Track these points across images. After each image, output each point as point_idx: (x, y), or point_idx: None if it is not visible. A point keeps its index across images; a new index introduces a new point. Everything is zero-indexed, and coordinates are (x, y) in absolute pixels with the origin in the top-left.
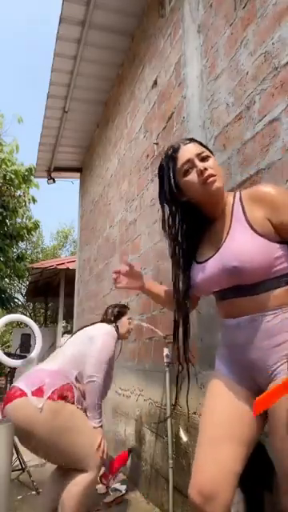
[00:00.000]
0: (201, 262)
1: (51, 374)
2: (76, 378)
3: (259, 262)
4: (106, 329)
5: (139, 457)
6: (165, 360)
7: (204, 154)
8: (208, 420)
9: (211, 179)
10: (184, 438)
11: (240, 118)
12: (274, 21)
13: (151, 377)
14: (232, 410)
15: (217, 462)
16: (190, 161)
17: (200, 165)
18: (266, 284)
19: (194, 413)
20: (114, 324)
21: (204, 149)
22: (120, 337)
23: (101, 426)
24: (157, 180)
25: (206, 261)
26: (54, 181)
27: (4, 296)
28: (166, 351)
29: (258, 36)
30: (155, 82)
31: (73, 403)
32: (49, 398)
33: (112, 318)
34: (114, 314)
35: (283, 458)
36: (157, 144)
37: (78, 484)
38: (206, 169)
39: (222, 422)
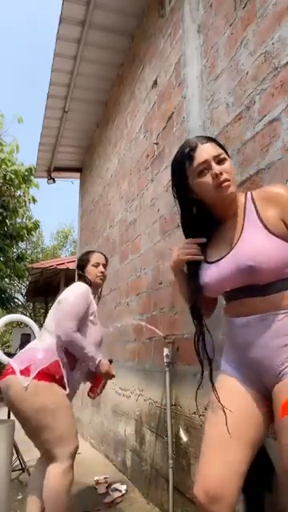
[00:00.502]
0: (211, 262)
1: (39, 352)
2: (66, 350)
3: (276, 262)
4: (71, 286)
5: (139, 457)
6: (165, 360)
7: (221, 157)
8: (214, 420)
9: (226, 184)
10: (184, 437)
11: (240, 118)
12: (274, 21)
13: (151, 377)
14: (239, 411)
15: (223, 462)
16: (206, 162)
17: (216, 168)
18: (277, 284)
19: (194, 413)
20: (84, 279)
21: (221, 150)
22: (93, 285)
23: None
24: (157, 180)
25: (218, 261)
26: (54, 181)
27: (4, 296)
28: (165, 351)
29: (258, 36)
30: (155, 82)
31: (61, 382)
32: (34, 377)
33: (80, 273)
34: (80, 268)
35: None
36: (157, 144)
37: (49, 478)
38: (221, 173)
39: (230, 422)
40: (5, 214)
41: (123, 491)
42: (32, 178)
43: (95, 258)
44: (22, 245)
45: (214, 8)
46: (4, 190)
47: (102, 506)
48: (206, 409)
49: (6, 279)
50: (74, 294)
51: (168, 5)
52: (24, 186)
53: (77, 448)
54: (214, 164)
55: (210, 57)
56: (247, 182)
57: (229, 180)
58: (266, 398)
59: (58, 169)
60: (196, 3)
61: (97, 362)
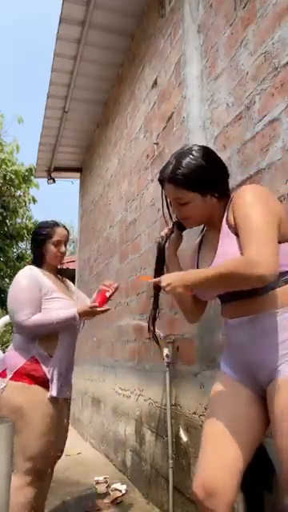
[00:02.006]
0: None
1: (11, 354)
2: (40, 339)
3: None
4: (15, 279)
5: (139, 457)
6: (165, 360)
7: (181, 201)
8: (213, 419)
9: (184, 221)
10: (184, 437)
11: (240, 118)
12: (274, 21)
13: (151, 377)
14: (236, 410)
15: (220, 459)
16: (171, 200)
17: (173, 210)
18: (267, 285)
19: (194, 413)
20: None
21: (182, 193)
22: (47, 266)
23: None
24: (157, 180)
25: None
26: (54, 181)
27: (4, 296)
28: (165, 351)
29: (258, 36)
30: (155, 82)
31: (44, 382)
32: (11, 378)
33: (34, 250)
34: (36, 243)
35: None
36: (157, 144)
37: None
38: (180, 213)
39: (227, 420)
40: (5, 214)
41: (123, 491)
42: (32, 178)
43: (58, 233)
44: (22, 245)
45: (213, 8)
46: (4, 190)
47: (102, 505)
48: (205, 409)
49: (6, 279)
50: (15, 288)
51: (168, 5)
52: (24, 186)
53: (40, 471)
54: (175, 204)
55: (210, 57)
56: (247, 182)
57: (186, 218)
58: (262, 397)
59: (58, 169)
60: (196, 3)
61: (74, 313)
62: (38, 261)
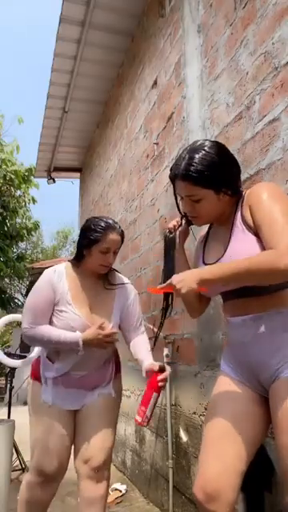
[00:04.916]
0: (209, 264)
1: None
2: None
3: None
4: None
5: (139, 457)
6: (165, 360)
7: (194, 198)
8: (214, 419)
9: (193, 220)
10: (184, 437)
11: (240, 118)
12: (274, 21)
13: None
14: (237, 410)
15: (222, 461)
16: (183, 197)
17: (185, 208)
18: (272, 285)
19: (194, 413)
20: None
21: (196, 190)
22: (84, 270)
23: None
24: (157, 180)
25: (214, 263)
26: (54, 181)
27: (4, 296)
28: (165, 351)
29: (258, 36)
30: (155, 82)
31: (40, 380)
32: (30, 375)
33: (79, 250)
34: (83, 244)
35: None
36: (157, 144)
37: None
38: (189, 211)
39: (228, 421)
40: (5, 214)
41: (123, 491)
42: (32, 178)
43: (110, 240)
44: (21, 245)
45: (213, 8)
46: (4, 190)
47: None
48: (205, 409)
49: (6, 279)
50: (31, 292)
51: (168, 5)
52: (24, 186)
53: (42, 470)
54: (187, 200)
55: (210, 57)
56: (247, 182)
57: (195, 217)
58: (263, 397)
59: (58, 169)
60: (196, 3)
61: (77, 339)
62: (78, 260)
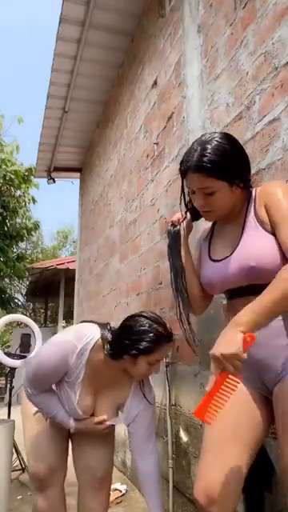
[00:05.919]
0: (216, 260)
1: None
2: None
3: (275, 261)
4: (65, 337)
5: None
6: (165, 360)
7: (207, 191)
8: (214, 421)
9: (205, 214)
10: (184, 438)
11: (240, 118)
12: (274, 21)
13: (151, 377)
14: (240, 411)
15: (223, 463)
16: (194, 190)
17: (197, 202)
18: None
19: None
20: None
21: (210, 181)
22: (116, 365)
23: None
24: (157, 180)
25: (222, 260)
26: (54, 181)
27: (4, 296)
28: None
29: (258, 36)
30: (155, 82)
31: None
32: None
33: (115, 348)
34: (124, 346)
35: None
36: (157, 144)
37: None
38: (202, 205)
39: (230, 423)
40: (5, 214)
41: (123, 491)
42: (32, 178)
43: (162, 352)
44: (21, 245)
45: (213, 8)
46: (4, 190)
47: None
48: None
49: (6, 279)
50: (44, 352)
51: (168, 5)
52: (24, 186)
53: (40, 479)
54: (199, 193)
55: (210, 57)
56: None
57: (209, 211)
58: (266, 398)
59: (58, 169)
60: (196, 3)
61: (70, 426)
62: (115, 355)
